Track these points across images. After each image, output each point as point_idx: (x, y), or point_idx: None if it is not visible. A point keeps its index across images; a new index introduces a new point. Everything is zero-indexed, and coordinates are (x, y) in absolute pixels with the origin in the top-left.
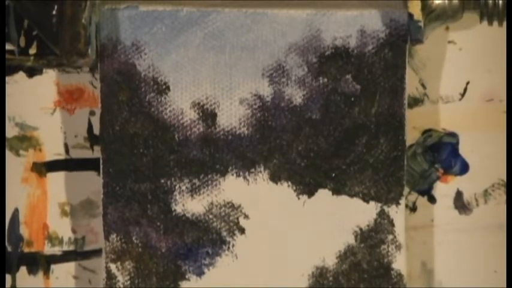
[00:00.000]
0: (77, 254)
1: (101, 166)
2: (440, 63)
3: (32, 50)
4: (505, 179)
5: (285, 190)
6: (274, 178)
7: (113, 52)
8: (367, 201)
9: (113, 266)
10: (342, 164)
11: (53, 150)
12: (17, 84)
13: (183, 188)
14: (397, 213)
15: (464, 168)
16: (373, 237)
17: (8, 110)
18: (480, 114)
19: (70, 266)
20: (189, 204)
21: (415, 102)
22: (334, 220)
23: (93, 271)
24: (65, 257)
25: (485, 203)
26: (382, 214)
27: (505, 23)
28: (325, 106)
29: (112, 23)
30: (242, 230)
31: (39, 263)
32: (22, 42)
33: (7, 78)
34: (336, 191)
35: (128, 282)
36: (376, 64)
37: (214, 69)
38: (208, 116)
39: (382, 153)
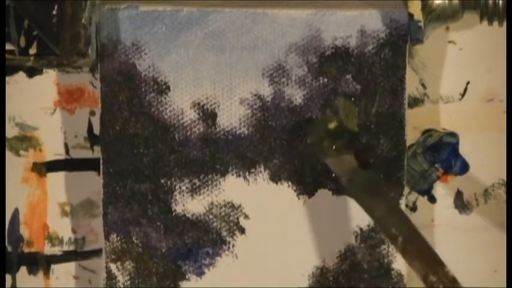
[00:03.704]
0: (77, 254)
1: (101, 166)
2: (440, 63)
3: (32, 50)
4: (505, 179)
5: (285, 190)
6: (275, 178)
7: (113, 52)
8: None
9: (113, 266)
10: None
11: (53, 150)
12: (17, 84)
13: (183, 188)
14: None
15: (464, 168)
16: (373, 237)
17: (8, 110)
18: (480, 114)
19: (70, 266)
20: (189, 204)
21: (415, 102)
22: (334, 220)
23: (93, 271)
24: (65, 257)
25: (485, 203)
26: None
27: (505, 23)
28: (325, 106)
29: (112, 23)
30: (242, 230)
31: (39, 263)
32: (22, 42)
33: (7, 78)
34: (336, 191)
35: (128, 282)
36: (376, 64)
37: (215, 69)
38: (208, 116)
39: (382, 153)
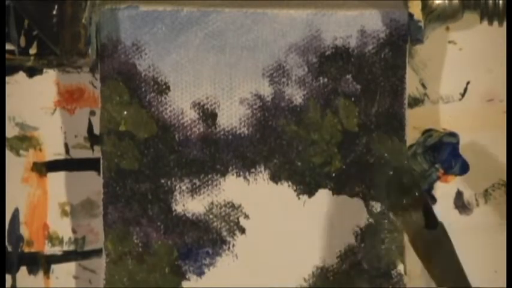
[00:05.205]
0: (77, 254)
1: (101, 166)
2: (440, 63)
3: (32, 50)
4: (505, 179)
5: (285, 190)
6: (275, 178)
7: (113, 52)
8: (367, 201)
9: (113, 266)
10: (342, 164)
11: (53, 150)
12: (17, 84)
13: (184, 188)
14: None
15: (464, 168)
16: (373, 237)
17: (8, 110)
18: (480, 114)
19: (70, 266)
20: (190, 204)
21: (415, 102)
22: (334, 220)
23: (93, 271)
24: (65, 257)
25: (485, 203)
26: (382, 214)
27: (505, 23)
28: (325, 106)
29: (112, 23)
30: (242, 230)
31: (40, 263)
32: (22, 42)
33: (7, 78)
34: (336, 191)
35: (128, 282)
36: (377, 64)
37: (215, 69)
38: (208, 116)
39: None
